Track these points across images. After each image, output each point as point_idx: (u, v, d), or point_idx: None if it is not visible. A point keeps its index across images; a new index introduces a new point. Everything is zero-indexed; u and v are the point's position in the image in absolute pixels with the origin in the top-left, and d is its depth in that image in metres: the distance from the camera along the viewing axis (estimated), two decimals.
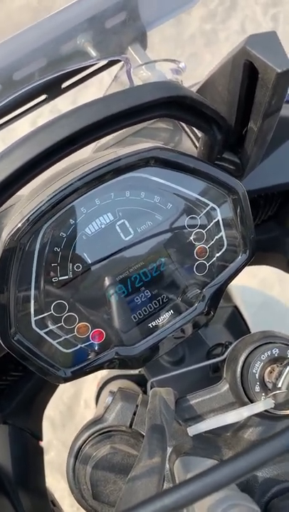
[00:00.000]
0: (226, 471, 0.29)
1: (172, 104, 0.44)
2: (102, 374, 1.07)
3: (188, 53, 2.49)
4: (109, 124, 0.41)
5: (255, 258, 0.58)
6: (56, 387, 0.92)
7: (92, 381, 1.81)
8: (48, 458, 1.75)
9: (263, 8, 2.66)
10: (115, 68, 0.68)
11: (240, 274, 0.58)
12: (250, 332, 1.05)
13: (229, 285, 0.61)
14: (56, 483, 1.64)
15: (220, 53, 2.53)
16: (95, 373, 0.56)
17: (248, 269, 0.62)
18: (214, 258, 0.56)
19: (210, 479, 0.28)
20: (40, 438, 0.87)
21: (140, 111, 0.41)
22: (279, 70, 0.39)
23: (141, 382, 0.95)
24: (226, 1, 2.62)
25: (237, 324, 1.08)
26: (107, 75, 0.74)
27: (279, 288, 2.00)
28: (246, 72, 0.42)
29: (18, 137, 0.42)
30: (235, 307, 1.12)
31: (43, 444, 0.88)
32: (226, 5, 2.59)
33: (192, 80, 0.65)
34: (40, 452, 0.86)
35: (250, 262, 0.56)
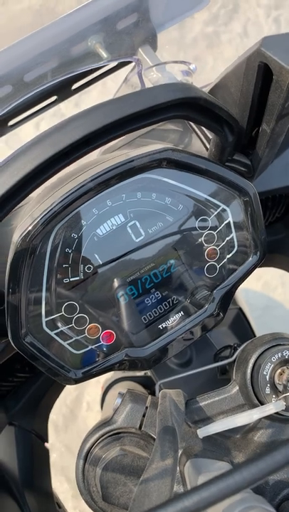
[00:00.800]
0: (246, 473, 0.28)
1: (186, 106, 0.44)
2: (107, 376, 1.07)
3: (191, 56, 2.50)
4: (124, 125, 0.41)
5: None
6: (62, 389, 0.92)
7: (94, 384, 1.81)
8: (50, 460, 1.75)
9: (265, 10, 2.67)
10: (119, 72, 0.68)
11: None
12: (254, 335, 1.04)
13: None
14: (59, 485, 1.64)
15: (222, 56, 2.54)
16: (98, 376, 0.55)
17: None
18: (225, 260, 0.56)
19: (231, 481, 0.27)
20: (45, 439, 0.87)
21: (154, 112, 0.41)
22: None
23: (146, 384, 0.95)
24: (228, 3, 2.63)
25: (242, 326, 1.08)
26: (109, 80, 0.74)
27: (282, 291, 2.00)
28: (260, 73, 0.42)
29: (21, 139, 0.41)
30: (240, 309, 1.12)
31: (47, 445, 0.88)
32: (228, 8, 2.60)
33: (195, 83, 0.65)
34: (45, 453, 0.86)
35: (261, 263, 0.56)
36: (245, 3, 2.67)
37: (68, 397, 1.85)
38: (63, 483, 1.64)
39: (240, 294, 1.26)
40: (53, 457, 1.74)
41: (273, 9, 2.66)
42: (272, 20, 2.63)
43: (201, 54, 2.57)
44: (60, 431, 1.80)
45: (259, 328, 1.06)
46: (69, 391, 1.84)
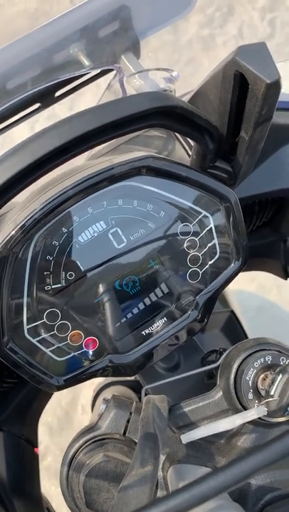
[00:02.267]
0: (217, 480, 0.29)
1: (163, 114, 0.44)
2: (99, 380, 1.07)
3: (185, 59, 2.50)
4: (101, 134, 0.41)
5: (251, 264, 0.58)
6: (51, 393, 0.92)
7: (89, 387, 1.80)
8: (45, 463, 1.75)
9: (260, 13, 2.67)
10: (111, 75, 0.68)
11: (237, 278, 0.58)
12: (246, 337, 1.05)
13: (226, 289, 0.61)
14: (54, 489, 1.64)
15: (217, 58, 2.53)
16: (93, 379, 0.56)
17: (245, 274, 0.62)
18: (207, 265, 0.56)
19: (201, 488, 0.28)
20: (35, 445, 0.87)
21: (131, 121, 0.42)
22: (268, 81, 0.39)
23: (137, 388, 0.95)
24: (223, 6, 2.64)
25: (233, 329, 1.08)
26: (103, 82, 0.74)
27: (276, 292, 2.00)
28: (237, 82, 0.42)
29: (16, 142, 0.42)
30: (232, 312, 1.12)
31: (39, 450, 0.88)
32: (223, 10, 2.60)
33: (190, 86, 0.65)
34: (35, 459, 0.85)
35: (243, 269, 0.57)
36: (240, 6, 2.67)
37: (63, 399, 1.85)
38: (58, 488, 1.64)
39: (233, 296, 1.26)
40: (48, 461, 1.74)
41: (268, 12, 2.66)
42: (267, 22, 2.64)
43: (196, 56, 2.58)
44: (54, 434, 1.80)
45: (253, 330, 1.06)
46: (64, 394, 1.85)
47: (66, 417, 1.84)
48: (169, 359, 0.77)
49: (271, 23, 2.65)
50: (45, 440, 1.77)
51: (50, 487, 1.64)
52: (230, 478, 0.29)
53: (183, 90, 0.64)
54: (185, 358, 0.78)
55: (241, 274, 0.58)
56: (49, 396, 0.91)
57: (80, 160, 0.63)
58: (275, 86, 0.39)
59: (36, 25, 0.56)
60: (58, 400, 1.84)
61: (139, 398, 0.79)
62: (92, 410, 1.06)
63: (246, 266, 0.57)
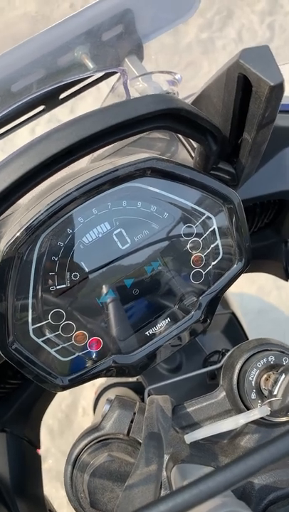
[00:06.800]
0: (220, 477, 0.29)
1: (167, 116, 0.44)
2: (100, 382, 1.07)
3: (185, 62, 2.51)
4: (106, 137, 0.42)
5: (252, 265, 0.59)
6: (54, 395, 0.92)
7: (90, 389, 1.81)
8: (46, 466, 1.74)
9: (260, 16, 2.69)
10: (113, 78, 0.69)
11: (237, 280, 0.59)
12: (247, 338, 1.05)
13: (226, 292, 0.62)
14: (55, 491, 1.64)
15: (217, 62, 2.55)
16: (93, 381, 0.56)
17: (245, 276, 0.63)
18: (210, 266, 0.56)
19: (205, 486, 0.28)
20: (37, 446, 0.87)
21: (136, 123, 0.42)
22: (272, 84, 0.39)
23: (139, 389, 0.96)
24: (222, 10, 2.65)
25: (234, 331, 1.09)
26: (105, 86, 0.75)
27: (276, 295, 2.00)
28: (240, 84, 0.43)
29: (17, 145, 0.42)
30: (233, 314, 1.12)
31: (40, 451, 0.88)
32: (222, 14, 2.61)
33: (189, 89, 0.66)
34: (37, 460, 0.86)
35: (246, 270, 0.57)
36: (240, 9, 2.69)
37: (64, 402, 1.85)
38: (59, 490, 1.64)
39: (234, 298, 1.26)
40: (49, 463, 1.73)
41: (267, 15, 2.67)
42: (267, 26, 2.65)
43: (196, 59, 2.58)
44: (55, 436, 1.80)
45: (254, 332, 1.06)
46: (65, 396, 1.84)
47: (66, 419, 1.83)
48: (171, 360, 0.77)
49: (270, 26, 2.67)
50: (46, 443, 1.77)
51: (51, 489, 1.64)
52: (234, 475, 0.29)
53: (182, 92, 0.64)
54: (187, 359, 0.78)
55: (242, 277, 0.59)
56: (51, 397, 0.91)
57: (82, 163, 0.63)
58: (279, 88, 0.40)
59: (37, 28, 0.57)
60: (59, 402, 1.84)
61: (141, 399, 0.80)
62: (94, 412, 1.06)
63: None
